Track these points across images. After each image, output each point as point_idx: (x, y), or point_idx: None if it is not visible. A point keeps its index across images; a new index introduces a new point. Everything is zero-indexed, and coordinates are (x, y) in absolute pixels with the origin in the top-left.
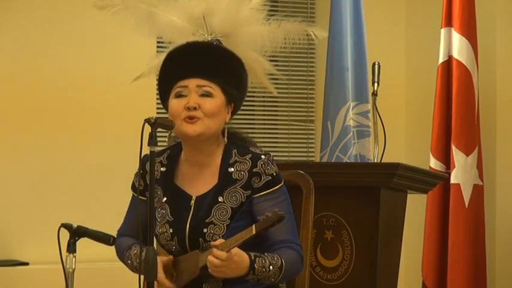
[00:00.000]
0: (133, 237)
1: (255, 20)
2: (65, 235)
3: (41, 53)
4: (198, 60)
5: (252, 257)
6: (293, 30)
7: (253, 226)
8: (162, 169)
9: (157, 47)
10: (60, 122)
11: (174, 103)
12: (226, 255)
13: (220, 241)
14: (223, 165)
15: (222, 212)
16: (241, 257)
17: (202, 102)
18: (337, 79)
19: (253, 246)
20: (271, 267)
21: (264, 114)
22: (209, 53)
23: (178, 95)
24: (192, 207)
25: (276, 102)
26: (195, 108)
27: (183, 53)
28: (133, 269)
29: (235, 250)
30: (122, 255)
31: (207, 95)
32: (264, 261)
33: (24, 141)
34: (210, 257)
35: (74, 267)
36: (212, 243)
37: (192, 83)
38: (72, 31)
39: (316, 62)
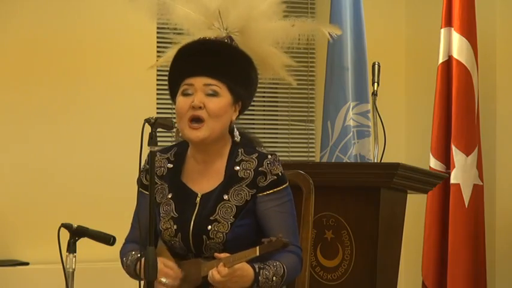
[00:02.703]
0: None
1: (270, 16)
2: (65, 235)
3: (41, 55)
4: (206, 59)
5: (257, 270)
6: (307, 29)
7: (257, 248)
8: (169, 165)
9: (157, 46)
10: (60, 122)
11: (180, 101)
12: (227, 272)
13: (224, 255)
14: (229, 164)
15: (227, 209)
16: (245, 271)
17: (207, 101)
18: (337, 79)
19: (255, 243)
20: (274, 277)
21: (264, 114)
22: (217, 52)
23: (185, 93)
24: (198, 205)
25: (276, 102)
26: (200, 108)
27: (192, 51)
28: (130, 271)
29: (239, 265)
30: (122, 261)
31: (213, 94)
32: (268, 273)
33: (24, 141)
34: (213, 271)
35: (74, 267)
36: (216, 254)
37: (199, 81)
38: (72, 31)
39: (316, 62)
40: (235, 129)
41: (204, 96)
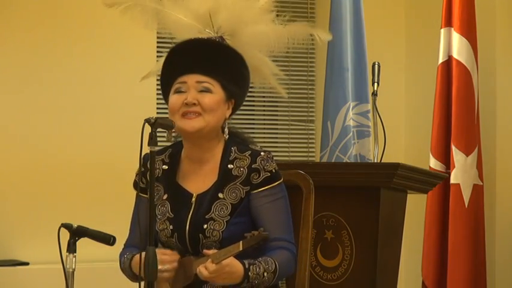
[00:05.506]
0: (139, 247)
1: (262, 19)
2: (65, 235)
3: (41, 56)
4: (198, 57)
5: (247, 266)
6: (298, 32)
7: (240, 243)
8: (164, 167)
9: (157, 46)
10: (59, 122)
11: (173, 98)
12: (214, 268)
13: (213, 251)
14: (223, 162)
15: (222, 208)
16: (234, 267)
17: (201, 97)
18: (337, 79)
19: None
20: (265, 273)
21: (264, 114)
22: (209, 49)
23: (178, 91)
24: (193, 205)
25: (276, 102)
26: (194, 104)
27: (184, 49)
28: (126, 269)
29: (227, 261)
30: (120, 265)
31: (206, 90)
32: (258, 269)
33: (24, 142)
34: (200, 267)
35: (74, 267)
36: (205, 251)
37: (191, 79)
38: (72, 32)
39: (316, 62)
40: (226, 128)
41: (197, 92)
